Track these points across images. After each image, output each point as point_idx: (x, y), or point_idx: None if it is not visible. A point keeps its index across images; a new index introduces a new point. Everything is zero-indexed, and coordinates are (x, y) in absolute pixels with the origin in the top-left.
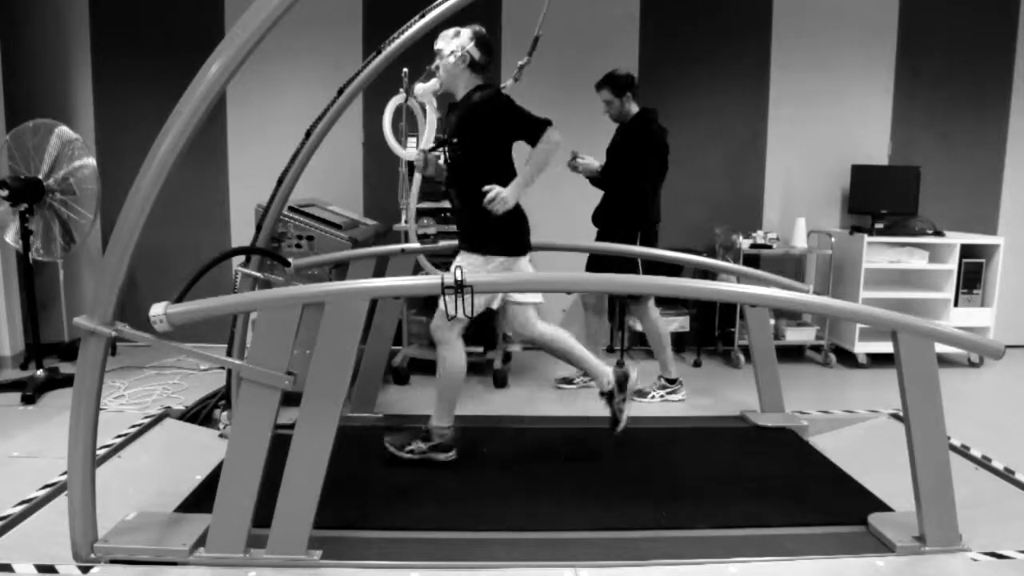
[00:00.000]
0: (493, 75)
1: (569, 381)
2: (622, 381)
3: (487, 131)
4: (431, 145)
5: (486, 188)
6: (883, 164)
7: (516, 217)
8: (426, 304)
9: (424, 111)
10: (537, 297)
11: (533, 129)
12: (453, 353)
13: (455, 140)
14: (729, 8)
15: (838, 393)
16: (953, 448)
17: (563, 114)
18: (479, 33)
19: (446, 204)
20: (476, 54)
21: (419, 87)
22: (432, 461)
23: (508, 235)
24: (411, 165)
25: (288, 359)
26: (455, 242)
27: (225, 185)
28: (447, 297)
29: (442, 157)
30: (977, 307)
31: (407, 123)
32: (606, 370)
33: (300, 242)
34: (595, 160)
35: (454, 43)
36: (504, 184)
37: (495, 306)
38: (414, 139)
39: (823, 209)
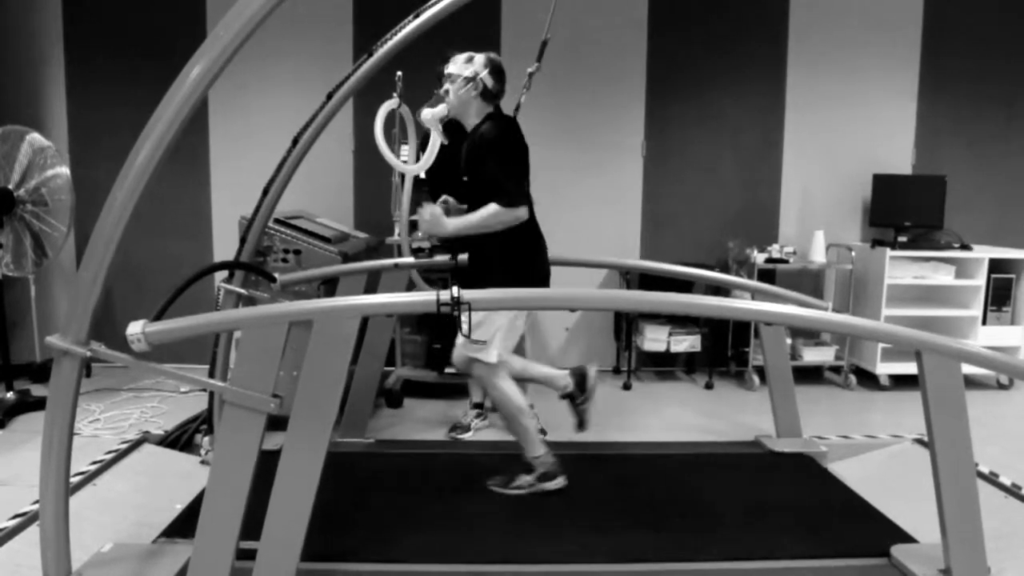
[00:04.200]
0: None
1: (466, 428)
2: (580, 381)
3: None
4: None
5: (423, 206)
6: (907, 173)
7: (522, 252)
8: (420, 322)
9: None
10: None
11: (498, 187)
12: (503, 392)
13: (465, 170)
14: (742, 8)
15: (859, 417)
16: (981, 475)
17: (567, 118)
18: (494, 60)
19: None
20: (489, 82)
21: (426, 112)
22: (542, 492)
23: (511, 271)
24: (403, 176)
25: (274, 381)
26: (448, 257)
27: (207, 196)
28: (462, 326)
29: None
30: (1007, 325)
31: (400, 130)
32: (561, 373)
33: (287, 256)
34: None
35: (467, 69)
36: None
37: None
38: (406, 147)
39: (843, 221)
